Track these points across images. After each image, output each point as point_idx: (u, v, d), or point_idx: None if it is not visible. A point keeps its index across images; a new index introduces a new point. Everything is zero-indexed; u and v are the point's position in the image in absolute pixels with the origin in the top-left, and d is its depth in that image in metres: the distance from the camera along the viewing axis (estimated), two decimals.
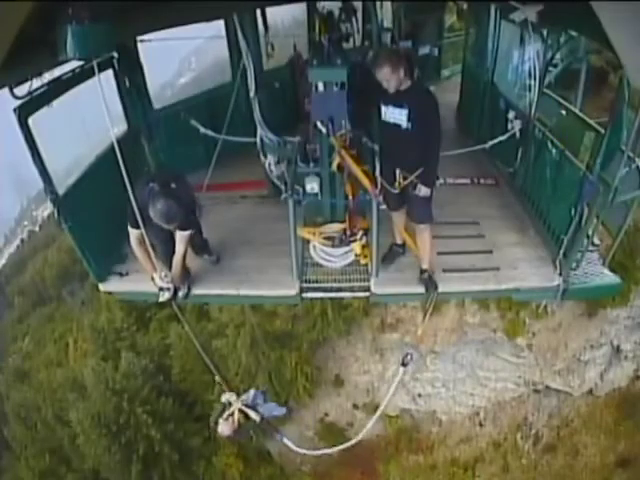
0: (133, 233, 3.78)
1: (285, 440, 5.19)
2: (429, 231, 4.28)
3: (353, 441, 5.24)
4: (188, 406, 13.84)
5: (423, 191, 4.03)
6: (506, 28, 5.79)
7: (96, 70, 2.80)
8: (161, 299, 4.15)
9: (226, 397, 4.68)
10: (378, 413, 5.39)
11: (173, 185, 3.77)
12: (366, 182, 4.12)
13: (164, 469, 13.15)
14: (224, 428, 4.65)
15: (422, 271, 4.41)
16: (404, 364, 4.65)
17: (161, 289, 4.07)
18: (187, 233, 3.89)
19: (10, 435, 16.44)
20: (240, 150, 5.33)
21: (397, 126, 3.89)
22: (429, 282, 4.36)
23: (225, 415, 4.70)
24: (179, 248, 3.95)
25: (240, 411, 4.67)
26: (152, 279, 4.08)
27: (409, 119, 3.81)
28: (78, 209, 4.16)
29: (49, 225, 30.69)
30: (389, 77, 3.69)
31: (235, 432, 4.72)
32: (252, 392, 5.49)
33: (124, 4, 2.79)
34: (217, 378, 4.81)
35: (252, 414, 4.72)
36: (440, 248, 4.56)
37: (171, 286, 4.09)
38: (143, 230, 3.53)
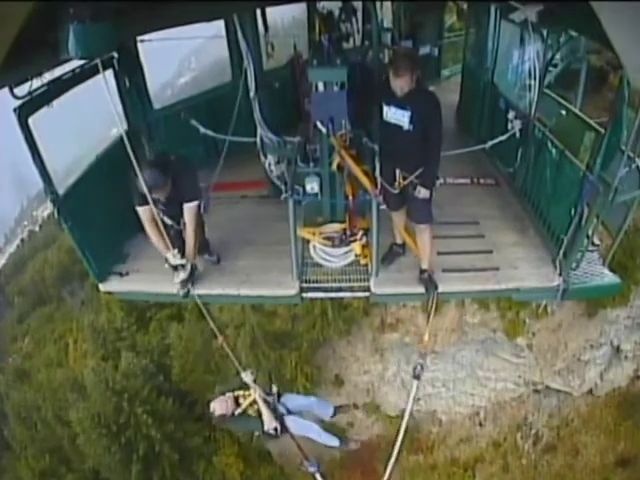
0: (142, 211, 3.73)
1: (318, 476, 4.33)
2: (429, 231, 4.28)
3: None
4: (188, 406, 13.84)
5: (422, 193, 4.02)
6: (506, 28, 5.78)
7: (100, 68, 2.81)
8: (176, 280, 3.91)
9: (246, 376, 3.99)
10: (403, 427, 4.22)
11: (172, 158, 3.84)
12: (366, 182, 4.12)
13: (164, 469, 13.14)
14: (216, 406, 4.11)
15: (422, 271, 4.40)
16: (416, 377, 4.30)
17: (176, 268, 3.86)
18: (193, 205, 3.86)
19: (10, 435, 16.44)
20: (240, 150, 5.34)
21: (398, 127, 3.88)
22: (429, 282, 4.36)
23: (233, 394, 4.09)
24: (189, 223, 3.88)
25: (255, 402, 4.06)
26: (166, 260, 3.88)
27: (411, 121, 3.81)
28: (78, 209, 4.15)
29: (49, 225, 30.71)
30: (404, 84, 3.68)
31: (228, 418, 4.10)
32: (313, 400, 4.69)
33: (124, 4, 2.79)
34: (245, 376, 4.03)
35: (265, 415, 3.97)
36: (440, 248, 4.55)
37: (186, 263, 3.88)
38: (152, 205, 3.45)
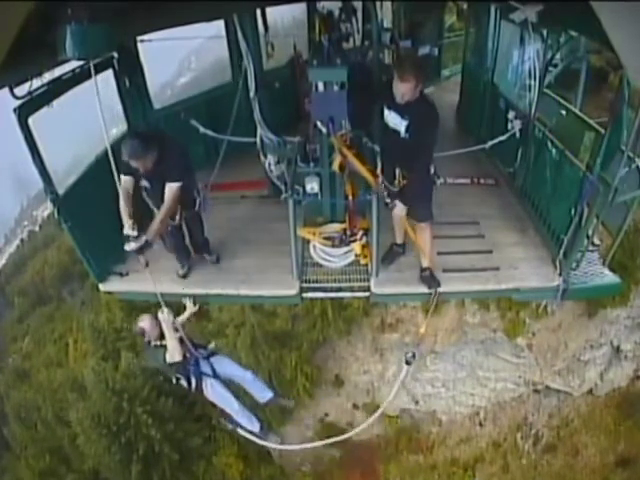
0: (123, 180, 3.76)
1: (240, 430, 4.29)
2: (429, 229, 4.29)
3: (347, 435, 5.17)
4: (188, 406, 13.82)
5: (399, 208, 4.03)
6: (506, 28, 5.79)
7: (93, 71, 2.80)
8: (126, 247, 3.87)
9: (170, 315, 3.91)
10: (380, 411, 5.00)
11: (164, 135, 3.93)
12: (369, 177, 4.13)
13: (164, 469, 13.13)
14: (145, 319, 4.16)
15: (423, 269, 4.42)
16: (407, 362, 4.54)
17: (128, 237, 3.85)
18: (175, 185, 3.89)
19: (10, 435, 16.42)
20: (240, 150, 5.34)
21: (396, 132, 3.91)
22: (431, 279, 4.37)
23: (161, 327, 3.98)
24: (165, 202, 3.90)
25: (181, 340, 3.95)
26: (121, 228, 3.91)
27: (407, 130, 3.82)
28: (78, 209, 4.16)
29: (49, 225, 30.64)
30: (406, 90, 3.62)
31: (146, 343, 4.13)
32: (249, 376, 4.38)
33: (124, 4, 2.79)
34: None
35: (170, 346, 3.87)
36: (440, 248, 4.56)
37: (141, 236, 3.83)
38: (118, 176, 3.38)
